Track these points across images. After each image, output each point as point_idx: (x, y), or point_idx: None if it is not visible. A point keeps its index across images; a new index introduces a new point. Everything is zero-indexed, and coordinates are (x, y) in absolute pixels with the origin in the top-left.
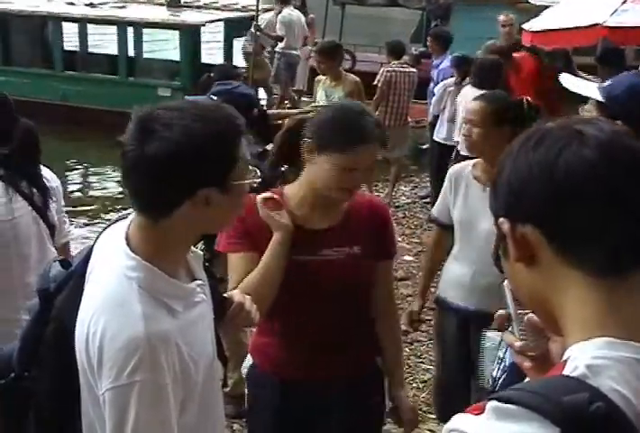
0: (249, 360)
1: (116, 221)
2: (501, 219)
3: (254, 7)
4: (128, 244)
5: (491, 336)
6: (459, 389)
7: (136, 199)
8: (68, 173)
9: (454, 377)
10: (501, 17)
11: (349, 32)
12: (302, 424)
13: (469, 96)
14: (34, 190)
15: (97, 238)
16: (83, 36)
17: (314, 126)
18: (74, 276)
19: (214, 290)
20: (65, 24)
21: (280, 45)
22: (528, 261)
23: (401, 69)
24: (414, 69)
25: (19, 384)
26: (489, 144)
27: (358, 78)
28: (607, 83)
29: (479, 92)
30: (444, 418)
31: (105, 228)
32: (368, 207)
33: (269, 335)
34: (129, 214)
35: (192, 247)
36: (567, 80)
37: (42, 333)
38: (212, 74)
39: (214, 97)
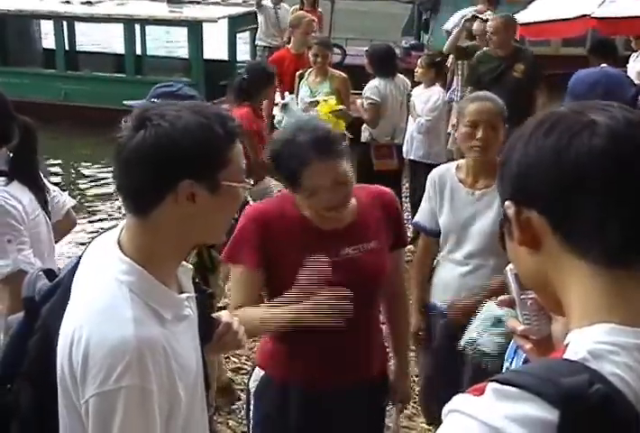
0: (257, 373)
1: (105, 232)
2: (507, 203)
3: (253, 1)
4: (120, 249)
5: (490, 306)
6: (450, 391)
7: (123, 193)
8: (81, 172)
9: (446, 382)
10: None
11: (339, 26)
12: (320, 428)
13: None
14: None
15: (86, 249)
16: (72, 34)
17: (271, 162)
18: (61, 285)
19: (202, 308)
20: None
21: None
22: (532, 245)
23: None
24: None
25: (0, 399)
26: (498, 145)
27: (345, 75)
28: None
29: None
30: (432, 419)
31: (93, 239)
32: (377, 198)
33: (285, 342)
34: (117, 225)
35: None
36: None
37: (26, 344)
38: (245, 76)
39: (157, 101)
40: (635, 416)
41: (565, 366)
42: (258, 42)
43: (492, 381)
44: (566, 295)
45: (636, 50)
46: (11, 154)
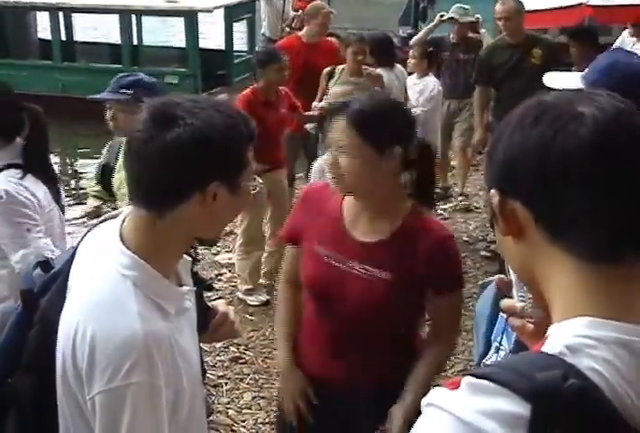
0: None
1: (103, 221)
2: (492, 191)
3: None
4: (122, 242)
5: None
6: None
7: (142, 190)
8: (79, 163)
9: None
10: (497, 6)
11: (336, 15)
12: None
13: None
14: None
15: (82, 238)
16: (69, 25)
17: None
18: (59, 277)
19: (199, 298)
20: (41, 13)
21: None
22: (517, 234)
23: None
24: None
25: (0, 392)
26: None
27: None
28: (586, 70)
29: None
30: None
31: (90, 229)
32: (429, 236)
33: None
34: (117, 214)
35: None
36: (549, 78)
37: (25, 336)
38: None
39: (128, 91)
40: (612, 411)
41: (541, 360)
42: (267, 33)
43: (468, 374)
44: (549, 288)
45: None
46: (23, 142)
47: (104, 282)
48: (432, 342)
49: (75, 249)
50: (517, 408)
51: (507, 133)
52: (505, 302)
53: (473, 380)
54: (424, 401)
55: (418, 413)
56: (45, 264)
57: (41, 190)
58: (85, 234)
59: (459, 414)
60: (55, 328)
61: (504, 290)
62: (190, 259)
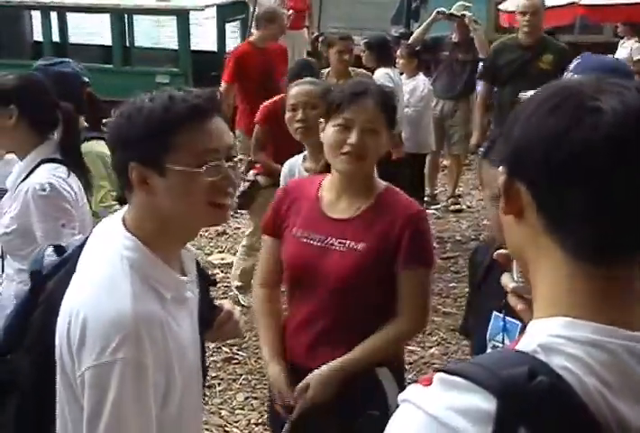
0: None
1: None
2: (500, 168)
3: None
4: (125, 227)
5: None
6: None
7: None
8: None
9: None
10: (522, 1)
11: (327, 15)
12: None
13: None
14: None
15: (94, 227)
16: (62, 25)
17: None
18: (69, 261)
19: (205, 294)
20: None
21: None
22: (518, 215)
23: None
24: None
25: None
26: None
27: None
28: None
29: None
30: None
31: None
32: (400, 210)
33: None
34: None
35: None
36: None
37: (31, 316)
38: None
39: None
40: (583, 409)
41: (513, 357)
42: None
43: (440, 371)
44: (537, 277)
45: (623, 37)
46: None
47: (102, 265)
48: (394, 318)
49: (87, 237)
50: (487, 404)
51: (524, 115)
52: (504, 278)
53: (445, 376)
54: (400, 397)
55: (339, 379)
56: (59, 248)
57: (76, 185)
58: (94, 225)
59: (430, 411)
60: (58, 311)
61: (504, 264)
62: (195, 251)
